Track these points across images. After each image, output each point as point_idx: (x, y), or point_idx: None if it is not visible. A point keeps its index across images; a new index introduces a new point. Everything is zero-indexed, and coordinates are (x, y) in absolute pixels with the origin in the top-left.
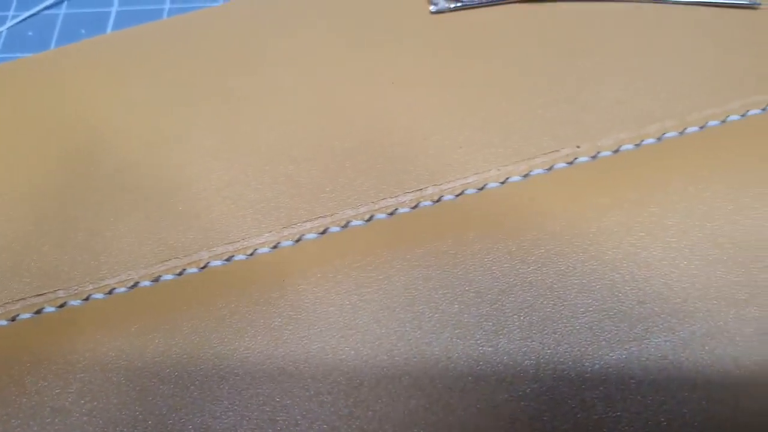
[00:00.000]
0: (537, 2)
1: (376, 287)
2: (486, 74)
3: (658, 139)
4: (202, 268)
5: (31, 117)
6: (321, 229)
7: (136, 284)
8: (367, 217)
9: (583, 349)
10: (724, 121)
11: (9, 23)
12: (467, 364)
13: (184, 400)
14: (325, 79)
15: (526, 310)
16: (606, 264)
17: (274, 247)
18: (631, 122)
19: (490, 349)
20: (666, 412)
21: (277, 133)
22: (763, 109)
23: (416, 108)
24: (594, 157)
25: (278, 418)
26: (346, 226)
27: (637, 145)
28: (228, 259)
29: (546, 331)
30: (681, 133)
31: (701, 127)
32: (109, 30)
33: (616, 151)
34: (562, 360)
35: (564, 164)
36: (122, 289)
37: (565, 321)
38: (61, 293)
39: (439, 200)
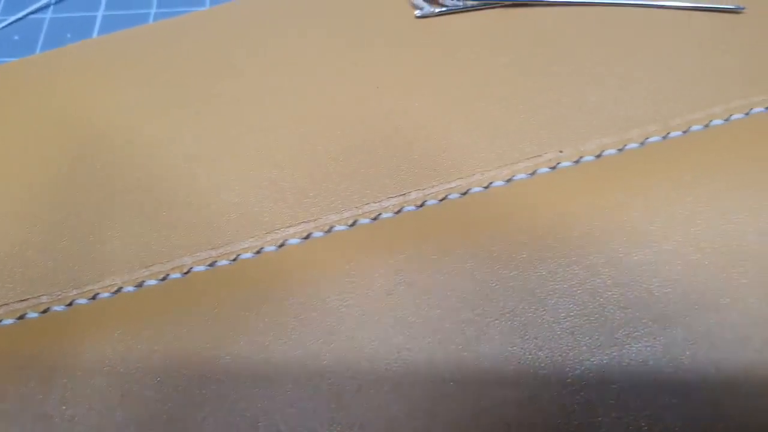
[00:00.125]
0: (521, 7)
1: (358, 292)
2: (470, 79)
3: (641, 143)
4: (185, 273)
5: (14, 122)
6: (304, 234)
7: (119, 289)
8: (350, 222)
9: (564, 354)
10: (707, 126)
11: None
12: (449, 370)
13: (166, 406)
14: (309, 83)
15: (507, 315)
16: (588, 269)
17: (257, 252)
18: (614, 127)
19: (471, 354)
20: (647, 418)
21: (262, 137)
22: (746, 114)
23: (401, 113)
24: (577, 162)
25: (260, 424)
26: (329, 231)
27: (620, 149)
28: (211, 265)
29: (527, 337)
30: (664, 137)
31: (684, 132)
32: (95, 34)
33: (598, 156)
34: (543, 365)
35: (547, 169)
36: (106, 295)
37: (546, 326)
38: (44, 299)
39: (422, 205)
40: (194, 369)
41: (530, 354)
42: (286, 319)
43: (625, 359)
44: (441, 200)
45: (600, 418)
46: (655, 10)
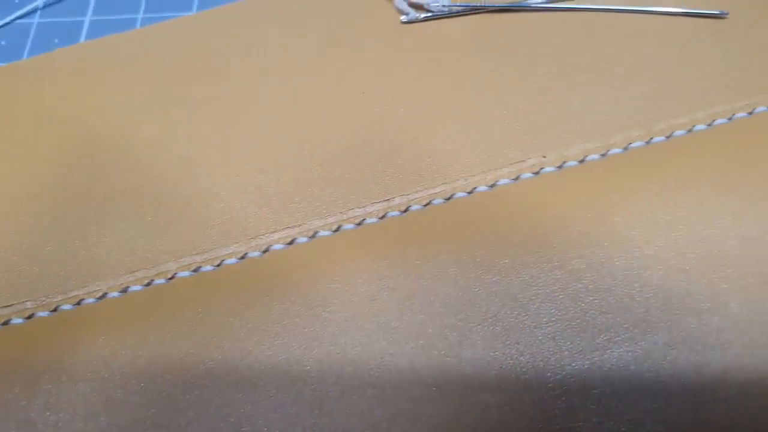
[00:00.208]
0: (505, 13)
1: (342, 298)
2: (454, 84)
3: (624, 148)
4: (170, 278)
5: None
6: (288, 240)
7: (104, 295)
8: (335, 227)
9: (546, 359)
10: (690, 131)
11: None
12: (431, 375)
13: (150, 411)
14: (295, 89)
15: (490, 320)
16: (569, 274)
17: (242, 258)
18: (598, 132)
19: (454, 359)
20: (628, 422)
21: (247, 143)
22: (729, 119)
23: (385, 118)
24: (560, 167)
25: (243, 429)
26: (313, 236)
27: (603, 155)
28: (195, 270)
29: (509, 342)
30: (647, 142)
31: (667, 137)
32: (82, 39)
33: (582, 161)
34: (524, 370)
35: (530, 174)
36: (91, 300)
37: (528, 331)
38: (29, 304)
39: (406, 210)
40: (178, 374)
41: (512, 359)
42: (270, 325)
43: (606, 364)
44: (425, 205)
45: (581, 423)
46: (639, 15)
